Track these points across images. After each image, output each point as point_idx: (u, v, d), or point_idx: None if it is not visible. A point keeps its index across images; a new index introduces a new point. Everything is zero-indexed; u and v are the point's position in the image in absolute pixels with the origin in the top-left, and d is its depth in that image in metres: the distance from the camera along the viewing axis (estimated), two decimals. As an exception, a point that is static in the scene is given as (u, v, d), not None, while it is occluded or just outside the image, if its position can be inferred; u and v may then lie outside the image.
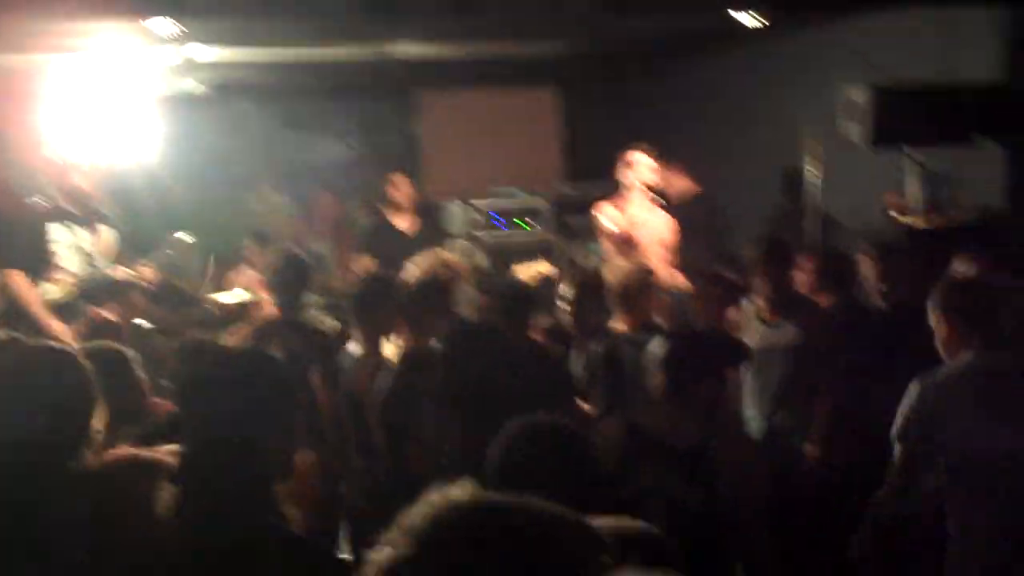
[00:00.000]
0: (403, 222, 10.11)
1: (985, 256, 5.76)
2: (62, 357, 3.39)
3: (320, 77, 11.21)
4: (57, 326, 6.98)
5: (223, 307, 8.77)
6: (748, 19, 7.90)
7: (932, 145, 8.11)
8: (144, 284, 7.92)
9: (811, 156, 8.58)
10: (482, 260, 9.89)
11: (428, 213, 10.83)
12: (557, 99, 12.94)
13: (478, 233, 10.58)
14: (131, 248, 10.14)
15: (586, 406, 6.08)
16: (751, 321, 6.71)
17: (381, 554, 1.69)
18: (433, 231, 10.47)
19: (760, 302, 6.66)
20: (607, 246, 8.81)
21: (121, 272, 7.89)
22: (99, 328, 6.43)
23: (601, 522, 2.45)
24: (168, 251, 8.99)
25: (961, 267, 5.73)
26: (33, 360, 3.40)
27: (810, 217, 8.60)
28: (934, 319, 4.65)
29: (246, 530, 2.86)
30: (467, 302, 7.23)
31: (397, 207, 10.17)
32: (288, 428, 3.11)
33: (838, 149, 8.45)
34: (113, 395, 3.47)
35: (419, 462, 5.20)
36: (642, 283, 6.65)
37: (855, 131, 7.94)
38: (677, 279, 8.08)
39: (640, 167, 8.66)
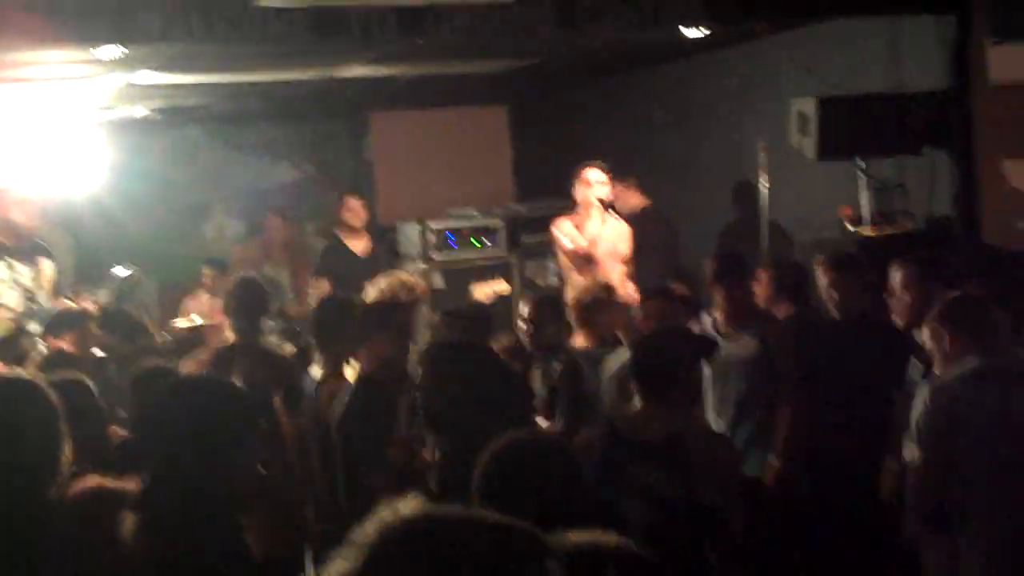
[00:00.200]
0: (357, 244, 10.11)
1: (915, 263, 5.84)
2: (30, 388, 3.37)
3: (270, 100, 11.17)
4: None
5: (179, 334, 8.74)
6: (697, 33, 7.95)
7: (881, 155, 8.19)
8: (97, 314, 7.86)
9: (761, 168, 8.63)
10: (438, 281, 9.91)
11: (382, 235, 10.83)
12: (508, 117, 12.96)
13: (433, 254, 10.57)
14: (81, 278, 10.10)
15: (545, 423, 6.10)
16: (709, 334, 6.74)
17: (332, 569, 1.75)
18: (388, 252, 10.47)
19: (718, 315, 6.70)
20: (564, 263, 8.84)
21: (63, 305, 7.83)
22: (57, 359, 6.38)
23: (578, 537, 2.46)
24: (117, 280, 8.93)
25: (896, 275, 5.80)
26: (1, 391, 3.38)
27: (762, 229, 8.65)
28: (933, 334, 4.75)
29: (209, 557, 2.85)
30: (425, 324, 7.24)
31: (351, 229, 10.16)
32: (249, 454, 3.10)
33: (788, 161, 8.51)
34: (77, 425, 3.44)
35: (376, 483, 5.19)
36: (601, 299, 6.68)
37: (804, 143, 8.01)
38: (634, 294, 8.11)
39: (594, 183, 8.69)
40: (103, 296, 8.36)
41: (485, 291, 8.58)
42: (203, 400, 3.13)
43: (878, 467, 5.67)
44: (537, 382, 6.49)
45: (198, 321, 9.00)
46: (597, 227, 8.65)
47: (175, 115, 11.46)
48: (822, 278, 6.46)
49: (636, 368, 4.67)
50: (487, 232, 10.78)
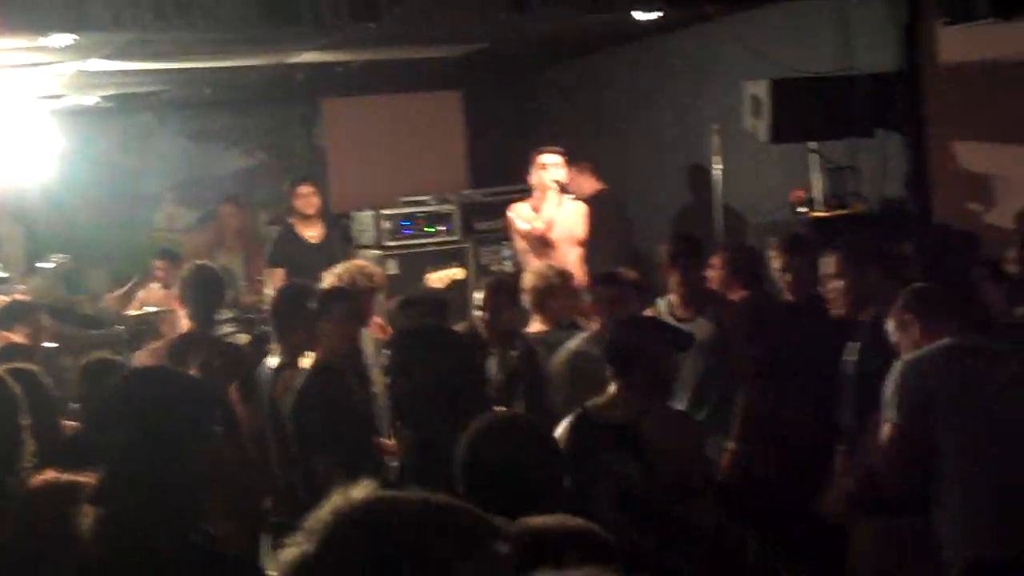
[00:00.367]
0: (311, 232, 10.06)
1: (846, 248, 5.86)
2: None
3: (222, 87, 11.10)
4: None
5: (132, 324, 8.69)
6: (649, 16, 7.96)
7: (833, 137, 8.23)
8: (48, 305, 7.81)
9: (714, 151, 8.66)
10: (393, 268, 9.89)
11: (336, 222, 10.79)
12: (462, 102, 12.94)
13: (387, 241, 10.54)
14: (31, 269, 10.02)
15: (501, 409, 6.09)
16: (665, 318, 6.76)
17: (287, 553, 1.82)
18: (341, 240, 10.43)
19: (673, 298, 6.71)
20: (520, 247, 8.85)
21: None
22: (9, 351, 6.32)
23: (540, 520, 2.47)
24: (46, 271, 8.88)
25: (828, 261, 5.81)
26: None
27: (715, 212, 8.68)
28: (901, 323, 4.79)
29: (168, 550, 2.83)
30: (380, 311, 7.23)
31: (304, 217, 10.12)
32: (205, 445, 3.08)
33: (741, 144, 8.54)
34: (33, 417, 3.42)
35: (328, 470, 5.20)
36: (556, 284, 6.69)
37: (757, 125, 8.04)
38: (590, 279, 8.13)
39: (549, 167, 8.70)
40: (34, 286, 8.29)
41: (440, 278, 8.58)
42: (157, 391, 3.10)
43: (831, 449, 5.70)
44: (494, 368, 6.49)
45: (151, 311, 8.94)
46: (553, 210, 8.66)
47: (126, 103, 11.37)
48: (775, 261, 6.49)
49: (608, 352, 4.82)
50: (441, 218, 10.76)
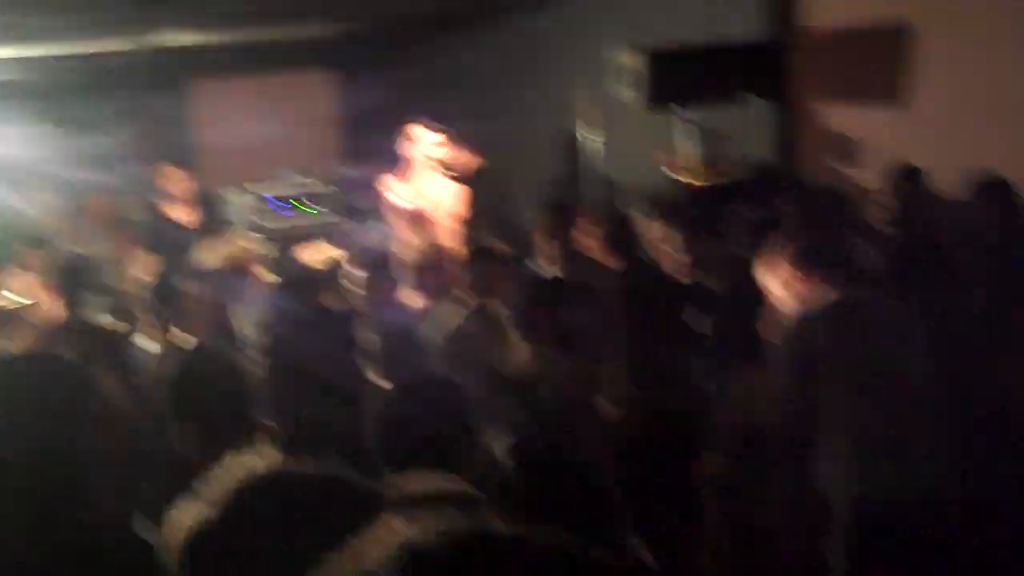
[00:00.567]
0: (181, 214, 9.92)
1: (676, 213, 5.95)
2: None
3: (88, 72, 10.88)
4: None
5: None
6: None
7: (704, 104, 8.31)
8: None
9: (587, 120, 8.69)
10: (267, 246, 9.78)
11: (207, 203, 10.64)
12: (335, 82, 12.84)
13: (261, 220, 10.43)
14: None
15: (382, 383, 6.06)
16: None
17: (184, 520, 1.83)
18: (213, 221, 10.29)
19: (546, 266, 6.72)
20: (395, 222, 8.80)
21: None
22: None
23: (420, 483, 2.46)
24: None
25: (657, 227, 5.91)
26: None
27: (589, 180, 8.71)
28: (785, 280, 4.84)
29: (51, 534, 2.79)
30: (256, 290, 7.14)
31: (173, 199, 9.97)
32: (84, 430, 3.03)
33: (614, 112, 8.59)
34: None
35: (198, 447, 5.16)
36: (432, 259, 6.67)
37: (629, 94, 8.09)
38: (464, 253, 8.11)
39: (422, 141, 8.67)
40: None
41: (315, 256, 8.49)
42: (35, 377, 3.04)
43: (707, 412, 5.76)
44: (375, 344, 6.45)
45: (15, 299, 8.73)
46: (427, 185, 8.62)
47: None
48: (648, 229, 6.53)
49: (514, 316, 5.09)
50: (316, 197, 10.67)
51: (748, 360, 5.14)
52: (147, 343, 6.13)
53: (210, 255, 6.62)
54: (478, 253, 6.77)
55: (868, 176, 7.57)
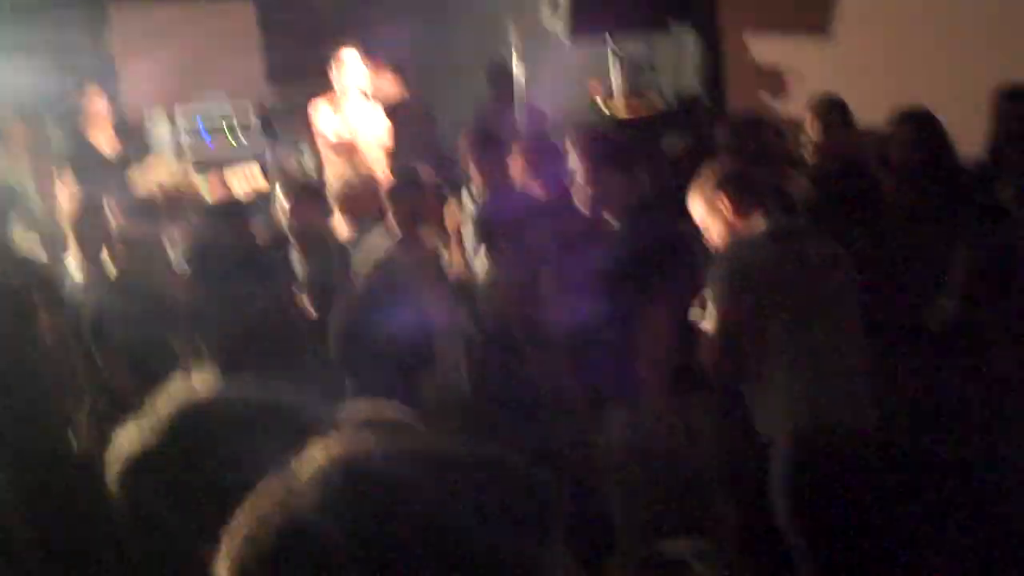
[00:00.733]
0: (103, 141, 9.78)
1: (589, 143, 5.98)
2: None
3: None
4: None
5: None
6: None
7: (630, 33, 8.30)
8: None
9: (515, 50, 8.66)
10: (191, 171, 9.67)
11: (129, 129, 10.49)
12: (256, 6, 12.66)
13: (185, 147, 10.31)
14: None
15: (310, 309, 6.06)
16: (468, 208, 6.78)
17: (123, 440, 1.89)
18: (136, 147, 10.16)
19: (475, 191, 6.72)
20: (321, 145, 8.73)
21: None
22: None
23: (358, 408, 2.48)
24: None
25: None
26: None
27: (516, 109, 8.70)
28: (713, 204, 4.84)
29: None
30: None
31: (95, 126, 9.82)
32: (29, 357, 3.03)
33: (541, 42, 8.56)
34: None
35: (125, 379, 5.14)
36: (359, 187, 6.65)
37: (555, 23, 8.07)
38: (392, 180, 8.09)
39: (350, 64, 8.59)
40: None
41: (242, 182, 8.44)
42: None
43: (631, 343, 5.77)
44: (300, 271, 6.43)
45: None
46: (354, 112, 8.57)
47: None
48: (576, 157, 6.52)
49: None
50: (240, 123, 10.56)
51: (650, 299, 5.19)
52: (73, 272, 6.08)
53: (136, 182, 6.54)
54: (405, 181, 6.76)
55: (795, 105, 7.62)
